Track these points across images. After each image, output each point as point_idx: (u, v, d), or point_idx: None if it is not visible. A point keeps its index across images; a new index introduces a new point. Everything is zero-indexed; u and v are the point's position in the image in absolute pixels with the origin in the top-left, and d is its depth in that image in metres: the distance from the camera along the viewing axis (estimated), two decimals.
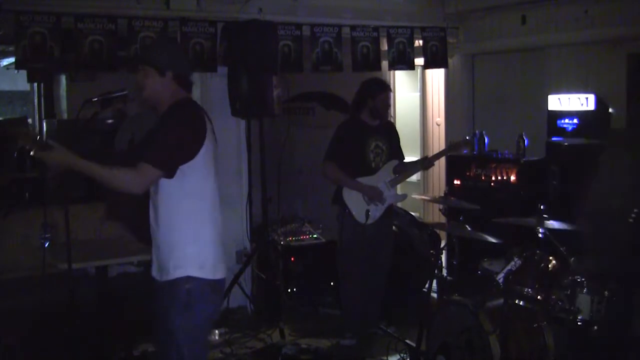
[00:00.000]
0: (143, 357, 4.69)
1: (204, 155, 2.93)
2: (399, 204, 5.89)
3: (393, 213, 5.40)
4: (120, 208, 3.12)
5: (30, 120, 9.51)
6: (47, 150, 2.70)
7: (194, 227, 2.95)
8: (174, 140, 2.87)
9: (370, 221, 5.00)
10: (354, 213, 5.04)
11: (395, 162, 5.20)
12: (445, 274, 6.24)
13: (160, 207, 2.94)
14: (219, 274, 3.04)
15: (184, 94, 3.03)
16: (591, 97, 5.63)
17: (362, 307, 5.15)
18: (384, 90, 5.10)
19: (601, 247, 4.29)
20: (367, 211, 4.99)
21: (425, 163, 5.40)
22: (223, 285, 3.14)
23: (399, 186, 5.42)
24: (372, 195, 5.03)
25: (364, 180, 5.07)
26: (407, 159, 5.46)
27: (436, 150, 7.72)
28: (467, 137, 5.72)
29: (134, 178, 2.82)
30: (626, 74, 5.31)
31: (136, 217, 3.10)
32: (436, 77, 7.85)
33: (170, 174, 2.87)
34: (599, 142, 5.19)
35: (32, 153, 2.69)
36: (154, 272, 3.05)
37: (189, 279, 2.92)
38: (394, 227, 5.99)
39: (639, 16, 5.36)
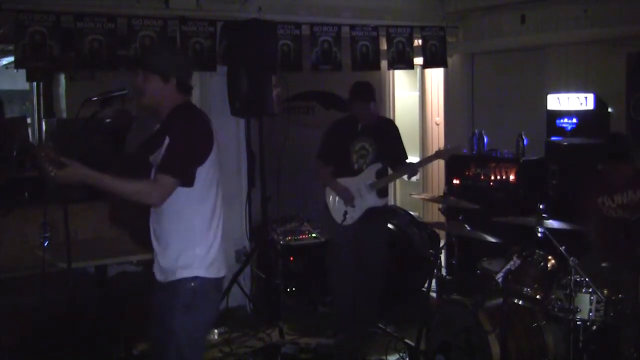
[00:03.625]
0: (143, 356, 4.68)
1: (210, 158, 2.96)
2: (399, 203, 5.88)
3: (383, 216, 5.31)
4: (121, 212, 3.12)
5: (29, 120, 9.51)
6: (64, 169, 2.68)
7: (201, 228, 2.97)
8: (189, 148, 2.89)
9: (348, 222, 5.03)
10: (332, 212, 5.10)
11: (379, 165, 5.12)
12: (444, 274, 6.26)
13: (166, 211, 2.94)
14: (222, 272, 3.08)
15: (183, 98, 3.02)
16: (590, 97, 5.63)
17: (352, 306, 5.17)
18: (357, 99, 5.03)
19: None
20: (345, 212, 5.02)
21: (409, 170, 5.20)
22: (223, 283, 3.18)
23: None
24: (342, 197, 5.04)
25: (345, 181, 5.08)
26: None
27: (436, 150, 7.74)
28: (449, 145, 5.47)
29: (155, 191, 2.85)
30: (626, 74, 5.31)
31: (135, 221, 3.10)
32: (435, 77, 7.84)
33: (190, 183, 2.89)
34: (598, 142, 5.20)
35: (52, 174, 2.65)
36: (158, 276, 3.05)
37: (195, 278, 2.95)
38: (393, 227, 6.01)
39: (639, 16, 5.36)
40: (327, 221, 5.23)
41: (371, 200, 5.10)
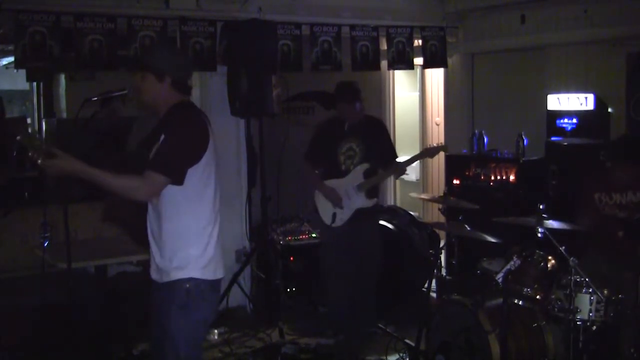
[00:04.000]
0: (142, 356, 4.69)
1: (205, 157, 2.94)
2: (399, 203, 5.87)
3: (374, 216, 5.23)
4: (118, 210, 3.12)
5: (29, 120, 9.50)
6: (52, 159, 2.69)
7: (197, 229, 2.96)
8: (181, 146, 2.88)
9: (337, 223, 5.03)
10: (321, 214, 5.11)
11: (367, 166, 5.06)
12: (444, 274, 6.25)
13: (163, 211, 2.94)
14: (218, 274, 3.06)
15: (182, 97, 3.02)
16: (590, 97, 5.63)
17: (350, 307, 5.17)
18: (341, 101, 4.99)
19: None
20: (334, 214, 5.02)
21: (396, 169, 5.17)
22: (220, 284, 3.16)
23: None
24: (330, 199, 5.02)
25: (333, 182, 5.07)
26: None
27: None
28: (442, 143, 5.38)
29: (142, 187, 2.83)
30: (625, 74, 5.30)
31: (133, 220, 3.09)
32: (435, 77, 7.85)
33: (179, 181, 2.87)
34: (598, 142, 5.20)
35: (39, 162, 2.66)
36: (153, 275, 3.05)
37: (190, 279, 2.93)
38: (392, 227, 6.01)
39: (639, 16, 5.36)
40: (318, 222, 5.24)
41: (359, 201, 5.05)
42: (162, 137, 2.88)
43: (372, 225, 5.23)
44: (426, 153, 5.14)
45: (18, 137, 2.72)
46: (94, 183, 2.78)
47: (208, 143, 2.95)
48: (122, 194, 2.85)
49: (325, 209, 5.09)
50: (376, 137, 5.14)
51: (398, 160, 5.28)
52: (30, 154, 2.67)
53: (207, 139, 2.95)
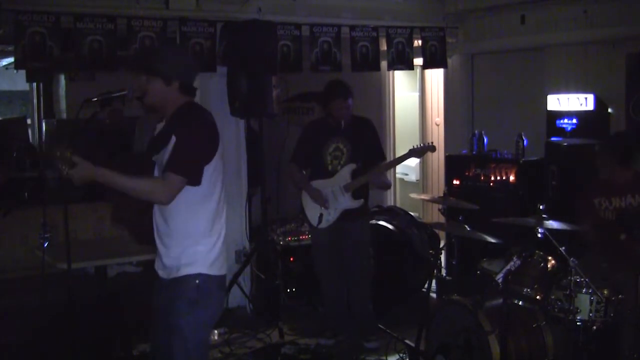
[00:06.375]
0: (142, 357, 4.69)
1: (215, 156, 2.99)
2: (399, 204, 5.86)
3: (362, 216, 5.14)
4: (123, 211, 3.12)
5: (29, 120, 9.52)
6: (75, 167, 2.71)
7: (205, 226, 2.99)
8: (196, 147, 2.91)
9: (324, 225, 5.00)
10: (308, 216, 5.09)
11: (353, 166, 5.00)
12: (444, 274, 6.26)
13: (172, 210, 2.96)
14: (223, 270, 3.11)
15: (187, 98, 3.03)
16: (590, 97, 5.62)
17: (342, 308, 5.18)
18: (337, 97, 4.93)
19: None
20: (321, 215, 4.99)
21: (381, 169, 5.10)
22: (226, 280, 3.19)
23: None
24: (316, 199, 4.99)
25: (320, 183, 5.03)
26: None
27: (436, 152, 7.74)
28: (430, 143, 5.28)
29: (162, 189, 2.86)
30: (625, 74, 5.30)
31: (138, 220, 3.10)
32: (435, 77, 7.85)
33: (197, 182, 2.91)
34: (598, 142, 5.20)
35: (65, 173, 2.68)
36: (160, 272, 3.07)
37: (199, 275, 2.97)
38: (392, 227, 6.00)
39: (639, 16, 5.36)
40: (307, 224, 5.23)
41: (346, 202, 4.99)
42: (174, 138, 2.89)
43: (360, 225, 5.12)
44: (412, 153, 5.05)
45: (58, 154, 2.71)
46: (115, 187, 2.81)
47: (218, 142, 3.00)
48: (142, 197, 2.88)
49: (311, 210, 5.06)
50: (364, 137, 5.07)
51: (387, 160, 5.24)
52: (60, 166, 2.68)
53: (217, 138, 3.00)
